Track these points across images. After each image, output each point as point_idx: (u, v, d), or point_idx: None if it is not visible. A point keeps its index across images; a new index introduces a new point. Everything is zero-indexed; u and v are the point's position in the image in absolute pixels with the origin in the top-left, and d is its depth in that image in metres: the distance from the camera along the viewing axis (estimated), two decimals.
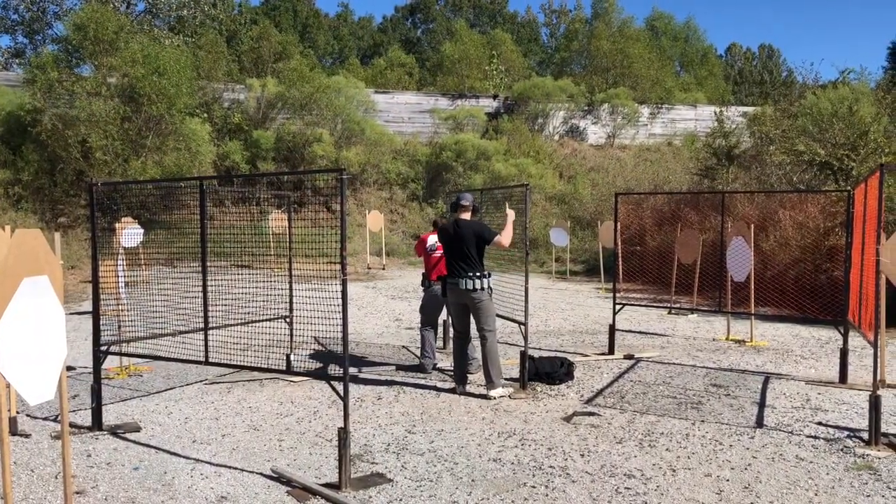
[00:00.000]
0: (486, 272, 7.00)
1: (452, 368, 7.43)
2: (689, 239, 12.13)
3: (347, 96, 24.19)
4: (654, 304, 12.65)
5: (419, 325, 8.32)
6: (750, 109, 25.28)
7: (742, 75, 48.24)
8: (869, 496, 4.63)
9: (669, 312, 12.53)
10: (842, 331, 7.90)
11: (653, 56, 32.96)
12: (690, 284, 12.30)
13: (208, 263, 6.12)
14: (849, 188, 9.54)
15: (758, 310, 10.65)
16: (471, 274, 6.90)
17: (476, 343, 8.06)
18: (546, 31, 50.76)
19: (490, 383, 6.94)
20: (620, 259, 13.63)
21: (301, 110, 23.85)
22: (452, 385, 7.40)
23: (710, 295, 12.17)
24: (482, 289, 6.92)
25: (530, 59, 43.19)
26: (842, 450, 5.50)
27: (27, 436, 5.82)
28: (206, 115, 22.48)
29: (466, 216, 7.13)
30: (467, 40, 33.59)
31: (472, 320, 7.16)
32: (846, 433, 5.91)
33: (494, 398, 6.86)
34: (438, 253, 7.95)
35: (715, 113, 21.62)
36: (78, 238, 18.56)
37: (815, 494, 4.66)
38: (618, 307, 9.53)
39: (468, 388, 7.22)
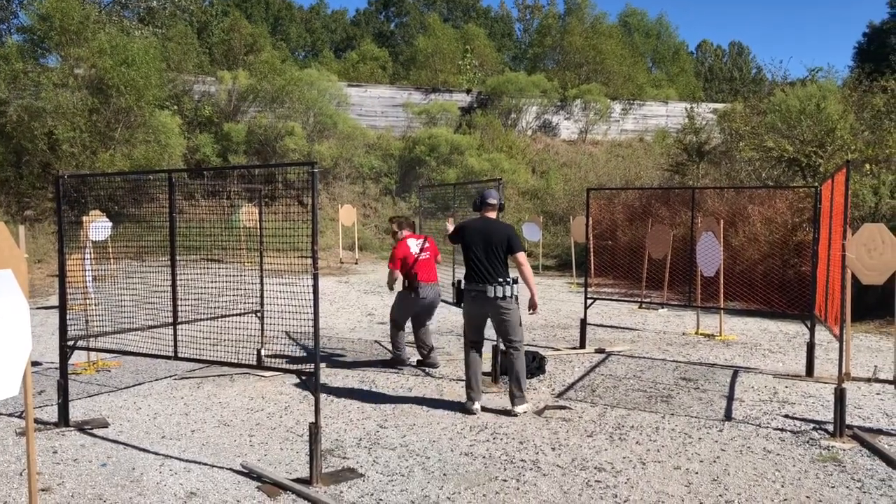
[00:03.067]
0: (513, 278, 6.28)
1: (466, 383, 6.43)
2: (659, 234, 12.24)
3: (320, 89, 24.00)
4: (625, 299, 12.74)
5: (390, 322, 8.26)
6: (720, 106, 25.54)
7: (712, 72, 48.69)
8: (833, 487, 4.71)
9: (640, 307, 12.63)
10: (808, 325, 8.02)
11: (625, 52, 33.18)
12: (661, 279, 12.41)
13: (178, 257, 6.05)
14: (816, 184, 9.68)
15: (727, 304, 10.78)
16: (501, 280, 6.15)
17: (438, 333, 8.06)
18: (519, 27, 50.93)
19: (520, 398, 6.27)
20: (592, 254, 13.71)
21: (273, 103, 23.63)
22: (424, 379, 7.39)
23: (681, 290, 12.30)
24: (511, 296, 6.19)
25: (504, 54, 43.25)
26: (808, 442, 5.59)
27: None
28: (175, 107, 22.18)
29: (493, 215, 6.43)
30: (441, 34, 33.55)
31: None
32: (812, 425, 6.00)
33: (519, 414, 6.21)
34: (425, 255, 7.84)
35: (686, 109, 21.84)
36: (45, 231, 18.24)
37: (782, 486, 4.73)
38: (589, 302, 9.59)
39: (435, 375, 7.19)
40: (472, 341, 6.40)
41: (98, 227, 8.56)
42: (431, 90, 28.22)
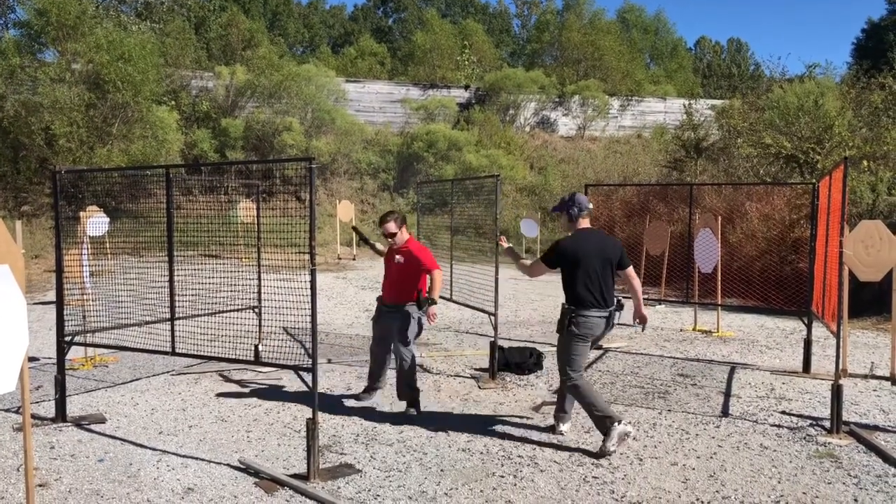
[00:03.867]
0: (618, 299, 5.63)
1: (560, 407, 5.80)
2: (657, 230, 12.25)
3: (318, 85, 23.96)
4: (623, 296, 12.73)
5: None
6: (718, 102, 25.55)
7: (711, 68, 48.72)
8: (830, 483, 4.72)
9: None
10: (806, 321, 8.03)
11: (623, 48, 33.19)
12: (659, 275, 12.42)
13: (175, 253, 6.04)
14: (814, 181, 9.68)
15: (724, 301, 10.79)
16: (620, 302, 5.65)
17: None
18: (517, 23, 50.90)
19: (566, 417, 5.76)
20: None
21: (270, 99, 23.59)
22: (421, 375, 7.38)
23: (678, 286, 12.29)
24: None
25: (502, 49, 43.25)
26: (804, 438, 5.60)
27: None
28: (173, 102, 22.13)
29: (587, 223, 5.76)
30: (439, 30, 33.51)
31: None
32: (809, 422, 6.01)
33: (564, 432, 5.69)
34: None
35: (684, 106, 21.84)
36: (42, 227, 18.22)
37: (779, 482, 4.74)
38: None
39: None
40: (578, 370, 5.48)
41: (95, 222, 8.55)
42: (429, 86, 28.19)
